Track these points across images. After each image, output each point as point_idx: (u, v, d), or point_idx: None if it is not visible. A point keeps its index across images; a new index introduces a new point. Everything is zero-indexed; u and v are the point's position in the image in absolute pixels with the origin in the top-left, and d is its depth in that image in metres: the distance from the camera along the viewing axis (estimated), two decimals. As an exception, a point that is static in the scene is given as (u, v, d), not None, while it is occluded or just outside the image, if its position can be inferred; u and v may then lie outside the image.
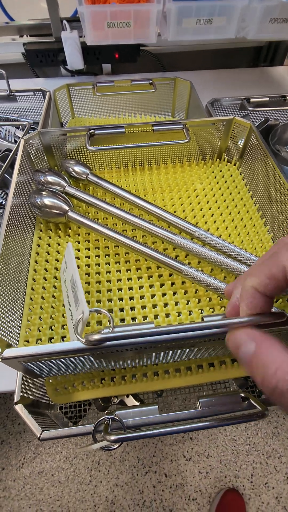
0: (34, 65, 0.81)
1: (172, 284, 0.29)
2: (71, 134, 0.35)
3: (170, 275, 0.29)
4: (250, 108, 0.52)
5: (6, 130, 0.52)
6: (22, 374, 0.27)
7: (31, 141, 0.34)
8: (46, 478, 0.99)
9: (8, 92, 0.55)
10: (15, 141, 0.52)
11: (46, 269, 0.30)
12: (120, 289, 0.28)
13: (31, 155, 0.35)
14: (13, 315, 0.25)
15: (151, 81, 0.56)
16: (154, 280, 0.29)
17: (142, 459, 1.02)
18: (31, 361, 0.20)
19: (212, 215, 0.34)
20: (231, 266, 0.27)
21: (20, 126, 0.53)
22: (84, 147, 0.36)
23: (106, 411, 0.24)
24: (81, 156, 0.38)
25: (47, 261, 0.30)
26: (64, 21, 0.71)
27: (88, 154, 0.37)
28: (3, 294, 0.24)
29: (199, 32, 0.54)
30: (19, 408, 0.24)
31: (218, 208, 0.35)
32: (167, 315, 0.27)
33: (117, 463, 1.01)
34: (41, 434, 0.23)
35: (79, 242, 0.32)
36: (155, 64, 0.84)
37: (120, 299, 0.28)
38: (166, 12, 0.52)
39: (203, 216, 0.34)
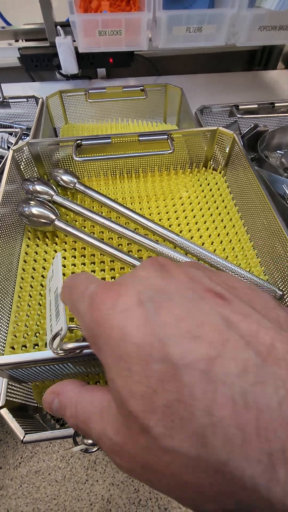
0: (29, 70, 0.81)
1: None
2: (59, 144, 0.36)
3: None
4: (238, 115, 0.52)
5: (-1, 136, 0.53)
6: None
7: (20, 151, 0.35)
8: (43, 477, 1.00)
9: (1, 99, 0.56)
10: (8, 148, 0.53)
11: (33, 277, 0.31)
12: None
13: (21, 165, 0.36)
14: (0, 322, 0.26)
15: (142, 87, 0.57)
16: None
17: (138, 458, 1.03)
18: (13, 368, 0.21)
19: (196, 223, 0.35)
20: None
21: (13, 133, 0.54)
22: (72, 158, 0.37)
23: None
24: (70, 165, 0.39)
25: (34, 269, 0.31)
26: (58, 27, 0.72)
27: (76, 163, 0.38)
28: (-10, 303, 0.25)
29: (190, 39, 0.55)
30: (4, 412, 0.25)
31: (202, 216, 0.36)
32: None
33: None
34: (24, 437, 0.24)
35: (65, 250, 0.33)
36: (149, 68, 0.85)
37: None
38: (157, 19, 0.53)
39: (187, 224, 0.35)
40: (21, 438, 0.23)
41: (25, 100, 0.57)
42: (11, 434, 1.10)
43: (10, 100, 0.57)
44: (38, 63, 0.78)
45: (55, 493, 0.99)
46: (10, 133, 0.54)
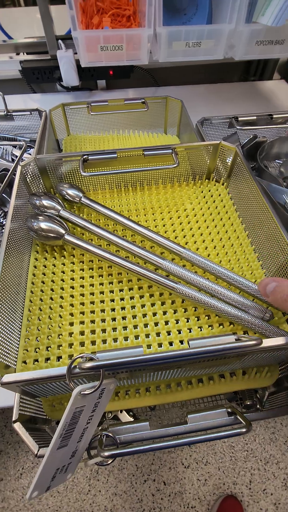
0: (30, 82, 0.83)
1: (163, 303, 0.30)
2: (66, 159, 0.37)
3: (161, 294, 0.31)
4: (238, 127, 0.54)
5: (3, 149, 0.54)
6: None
7: (27, 166, 0.36)
8: (45, 488, 0.99)
9: (5, 112, 0.57)
10: (13, 160, 0.54)
11: (42, 290, 0.31)
12: (113, 309, 0.30)
13: (28, 179, 0.37)
14: (11, 337, 0.26)
15: (143, 100, 0.58)
16: (145, 300, 0.31)
17: (141, 467, 1.02)
18: (28, 385, 0.21)
19: (201, 234, 0.36)
20: (216, 290, 0.29)
21: (17, 145, 0.55)
22: (78, 172, 0.38)
23: (100, 427, 0.25)
24: (75, 179, 0.40)
25: (43, 282, 0.32)
26: (60, 41, 0.74)
27: (82, 177, 0.39)
28: (2, 316, 0.26)
29: (189, 54, 0.57)
30: (18, 427, 0.25)
31: (207, 228, 0.37)
32: (158, 334, 0.28)
33: (116, 472, 1.01)
34: (38, 451, 0.24)
35: (74, 263, 0.34)
36: (148, 79, 0.87)
37: (113, 319, 0.29)
38: (157, 34, 0.54)
39: (193, 236, 0.36)
40: (35, 452, 0.24)
41: (28, 113, 0.58)
42: (12, 444, 1.09)
43: (14, 113, 0.58)
44: (40, 76, 0.80)
45: (58, 504, 0.98)
46: (14, 146, 0.55)
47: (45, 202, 0.35)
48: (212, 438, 0.22)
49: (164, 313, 0.30)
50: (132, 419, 0.29)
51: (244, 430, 0.22)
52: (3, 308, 0.26)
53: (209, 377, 0.30)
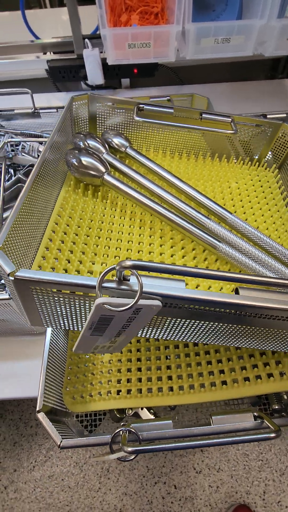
0: (56, 81, 0.84)
1: (194, 258, 0.29)
2: (120, 105, 0.36)
3: (204, 250, 0.30)
4: (266, 124, 0.52)
5: (30, 145, 0.55)
6: (44, 381, 0.28)
7: (80, 100, 0.35)
8: (56, 482, 1.00)
9: (33, 109, 0.58)
10: (39, 156, 0.55)
11: (68, 225, 0.30)
12: (140, 251, 0.29)
13: (74, 115, 0.36)
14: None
15: (169, 97, 0.58)
16: (179, 255, 0.29)
17: (152, 469, 1.01)
18: (46, 286, 0.18)
19: (244, 213, 0.35)
20: (264, 261, 0.27)
21: (44, 142, 0.56)
22: (127, 124, 0.37)
23: (122, 423, 0.25)
24: (124, 131, 0.39)
25: (70, 217, 0.30)
26: (86, 40, 0.75)
27: (129, 132, 0.38)
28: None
29: (217, 50, 0.56)
30: (41, 416, 0.25)
31: (251, 208, 0.35)
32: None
33: (126, 472, 1.01)
34: (61, 442, 0.24)
35: (105, 208, 0.32)
36: (172, 77, 0.86)
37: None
38: (185, 31, 0.54)
39: (235, 212, 0.35)
40: (58, 443, 0.24)
41: (55, 110, 0.59)
42: (25, 437, 1.11)
43: (41, 111, 0.59)
44: (66, 75, 0.81)
45: (68, 500, 0.98)
46: (40, 143, 0.56)
47: (90, 142, 0.33)
48: (239, 441, 0.21)
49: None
50: (153, 417, 0.28)
51: (272, 435, 0.21)
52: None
53: (233, 379, 0.29)
